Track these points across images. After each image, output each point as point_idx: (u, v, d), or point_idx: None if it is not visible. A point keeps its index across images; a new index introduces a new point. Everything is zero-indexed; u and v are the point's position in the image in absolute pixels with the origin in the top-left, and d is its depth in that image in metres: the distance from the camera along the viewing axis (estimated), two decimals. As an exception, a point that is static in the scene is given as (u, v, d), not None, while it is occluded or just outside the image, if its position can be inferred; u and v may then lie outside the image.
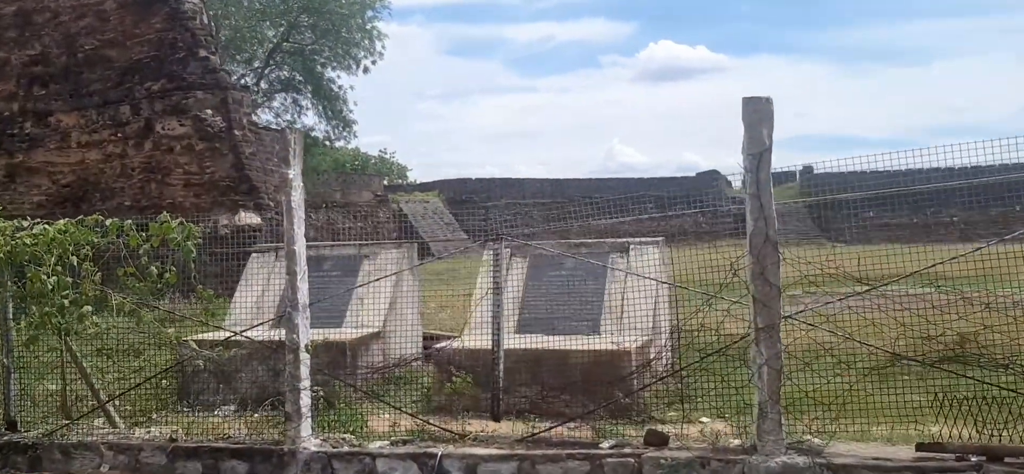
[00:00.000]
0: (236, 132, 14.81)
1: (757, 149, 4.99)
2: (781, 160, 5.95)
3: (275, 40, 38.65)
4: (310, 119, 40.15)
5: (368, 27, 38.65)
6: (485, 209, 46.12)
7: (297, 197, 5.97)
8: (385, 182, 52.50)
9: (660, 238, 8.97)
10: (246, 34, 37.39)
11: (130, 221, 6.07)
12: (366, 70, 38.80)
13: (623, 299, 8.18)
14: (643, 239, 8.94)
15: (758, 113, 4.94)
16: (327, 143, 43.38)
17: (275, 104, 40.26)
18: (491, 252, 7.06)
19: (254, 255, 9.88)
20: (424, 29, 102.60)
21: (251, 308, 8.95)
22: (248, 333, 6.93)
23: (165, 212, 6.14)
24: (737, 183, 6.81)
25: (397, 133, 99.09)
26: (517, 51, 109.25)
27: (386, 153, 61.43)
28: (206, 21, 16.67)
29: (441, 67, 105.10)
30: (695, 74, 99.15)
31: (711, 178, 51.04)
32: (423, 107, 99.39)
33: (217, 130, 15.19)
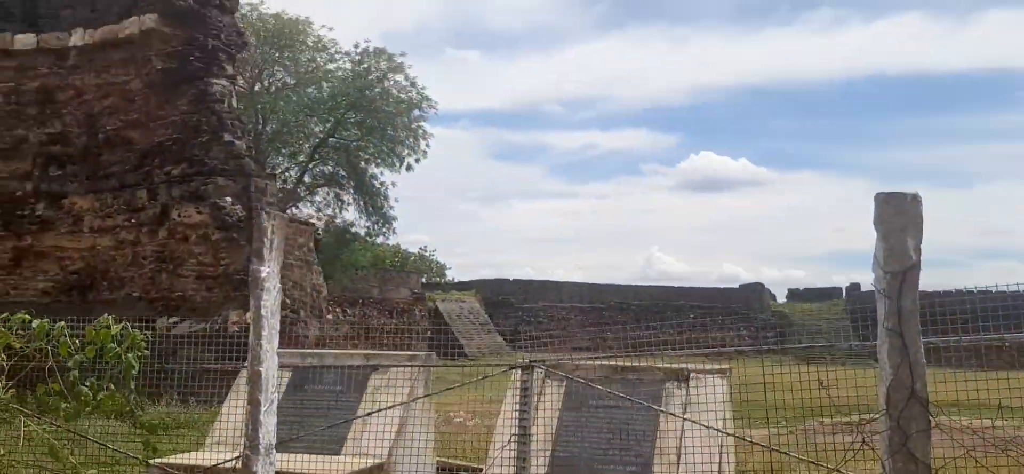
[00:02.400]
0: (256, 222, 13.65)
1: (900, 265, 3.55)
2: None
3: (321, 135, 38.20)
4: (351, 214, 39.39)
5: (414, 126, 38.02)
6: (521, 310, 44.75)
7: (270, 301, 4.63)
8: (423, 280, 51.57)
9: (727, 367, 7.47)
10: (293, 128, 36.99)
11: (62, 323, 4.74)
12: (409, 168, 38.02)
13: (681, 441, 6.68)
14: (706, 366, 7.46)
15: (902, 216, 3.53)
16: (369, 238, 42.57)
17: (317, 198, 39.60)
18: (520, 382, 5.64)
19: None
20: (469, 133, 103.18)
21: (236, 428, 7.58)
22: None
23: (175, 305, 4.85)
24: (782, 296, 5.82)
25: (437, 232, 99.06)
26: (559, 158, 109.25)
27: (426, 250, 60.55)
28: (235, 104, 15.75)
29: (484, 170, 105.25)
30: (736, 186, 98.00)
31: (756, 291, 49.28)
32: (464, 208, 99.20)
33: (236, 219, 14.09)
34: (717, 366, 7.55)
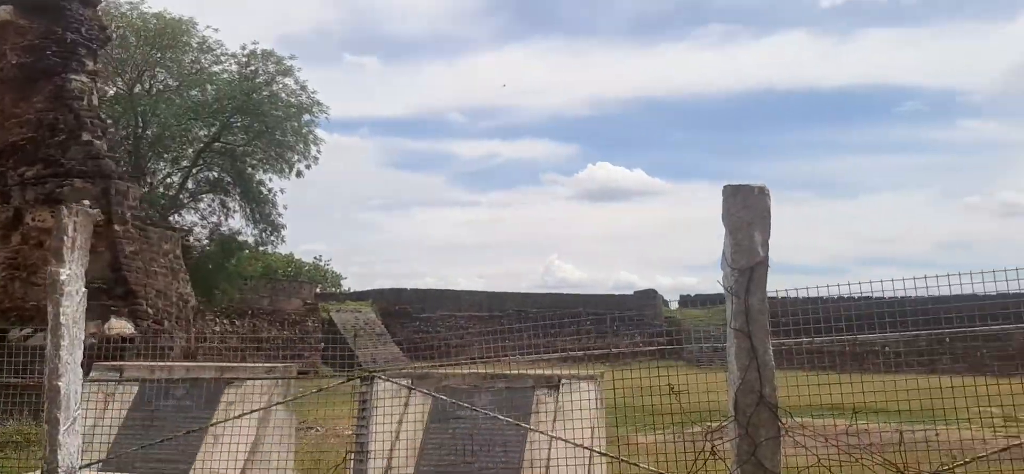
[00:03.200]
0: (116, 227, 12.81)
1: (747, 261, 3.33)
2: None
3: (206, 140, 36.80)
4: (237, 222, 38.01)
5: (304, 131, 37.00)
6: (418, 320, 44.10)
7: (71, 308, 4.10)
8: (318, 290, 50.32)
9: (597, 373, 7.23)
10: (175, 132, 35.50)
11: None
12: (299, 174, 36.97)
13: (550, 451, 6.40)
14: (576, 373, 7.20)
15: (749, 210, 3.31)
16: (261, 248, 41.25)
17: (201, 205, 38.09)
18: (359, 395, 5.23)
19: (91, 378, 7.85)
20: (368, 141, 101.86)
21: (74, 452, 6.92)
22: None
23: (30, 315, 4.24)
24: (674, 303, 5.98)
25: (336, 242, 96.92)
26: (461, 167, 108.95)
27: (321, 260, 59.26)
28: (95, 102, 14.77)
29: (385, 179, 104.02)
30: (631, 196, 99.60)
31: (649, 297, 49.95)
32: (364, 217, 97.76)
33: (95, 224, 13.12)
34: (588, 373, 7.31)
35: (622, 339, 43.30)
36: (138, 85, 35.59)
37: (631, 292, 53.00)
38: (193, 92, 35.87)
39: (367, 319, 42.75)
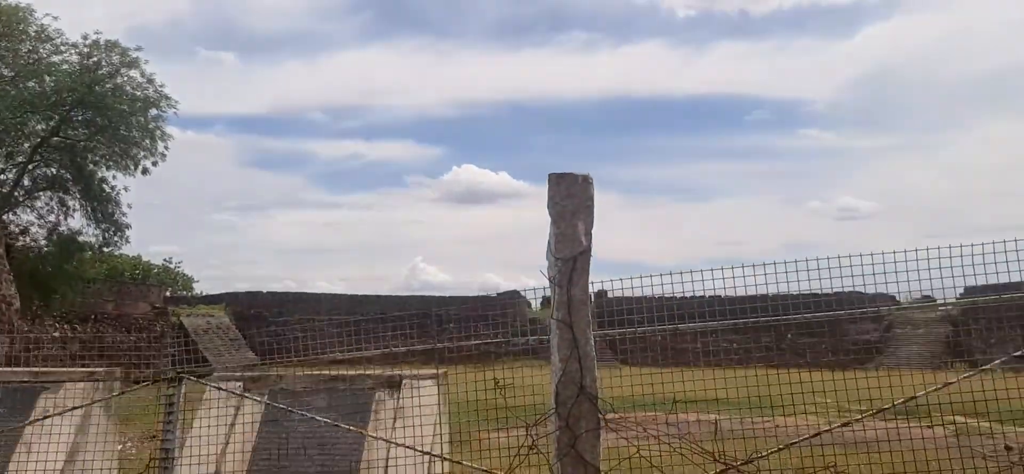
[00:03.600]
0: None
1: (571, 251, 3.28)
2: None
3: (43, 134, 34.61)
4: (77, 222, 35.92)
5: (151, 126, 35.33)
6: (274, 324, 42.91)
7: None
8: (168, 293, 48.23)
9: (441, 372, 7.13)
10: (9, 125, 33.16)
11: None
12: (145, 171, 35.30)
13: (388, 451, 6.25)
14: (418, 372, 7.09)
15: (573, 198, 3.27)
16: (106, 249, 39.12)
17: (38, 204, 35.78)
18: (165, 397, 4.94)
19: None
20: (224, 139, 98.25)
21: None
22: None
23: None
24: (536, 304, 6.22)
25: (189, 243, 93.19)
26: (322, 167, 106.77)
27: (171, 262, 56.92)
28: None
29: (241, 178, 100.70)
30: (497, 199, 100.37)
31: (512, 297, 50.48)
32: (219, 218, 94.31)
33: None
34: (430, 372, 7.21)
35: (482, 339, 43.40)
36: (-32, 75, 33.14)
37: (494, 294, 53.33)
38: (30, 83, 33.61)
39: (220, 323, 41.28)
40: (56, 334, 33.17)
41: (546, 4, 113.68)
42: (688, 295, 5.35)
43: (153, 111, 35.41)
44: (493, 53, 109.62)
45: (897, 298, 5.43)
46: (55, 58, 34.29)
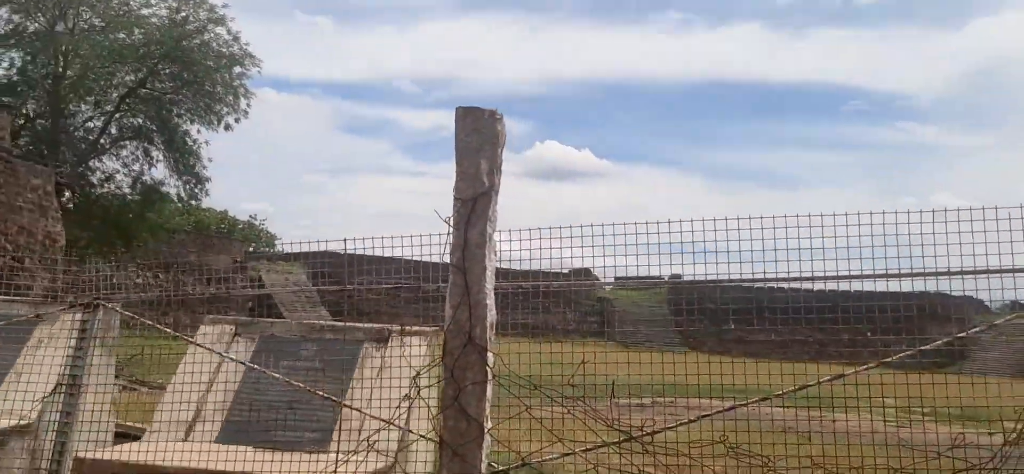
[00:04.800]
0: (-24, 156, 12.08)
1: (472, 191, 3.01)
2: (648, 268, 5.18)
3: (131, 85, 35.68)
4: (160, 172, 36.99)
5: (235, 84, 36.08)
6: (349, 286, 43.50)
7: None
8: (251, 248, 49.40)
9: (433, 328, 6.93)
10: (99, 74, 34.28)
11: None
12: (228, 127, 36.11)
13: (368, 406, 6.09)
14: (413, 327, 6.90)
15: (478, 134, 3.00)
16: (193, 201, 40.23)
17: (124, 153, 36.94)
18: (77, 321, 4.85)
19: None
20: (318, 102, 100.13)
21: None
22: None
23: None
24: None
25: (280, 202, 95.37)
26: (409, 137, 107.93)
27: (256, 219, 58.22)
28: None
29: (332, 142, 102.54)
30: (578, 176, 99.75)
31: (584, 274, 50.06)
32: (309, 179, 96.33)
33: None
34: (423, 328, 7.02)
35: (551, 315, 43.26)
36: (61, 23, 34.28)
37: (566, 271, 53.08)
38: (119, 35, 34.65)
39: (297, 281, 42.11)
40: (139, 280, 34.35)
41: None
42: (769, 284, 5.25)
43: (237, 68, 36.12)
44: (585, 30, 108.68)
45: (987, 304, 5.12)
46: (145, 11, 35.25)
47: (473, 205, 2.98)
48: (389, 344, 6.70)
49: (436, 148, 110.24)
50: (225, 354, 6.50)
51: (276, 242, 57.98)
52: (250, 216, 57.55)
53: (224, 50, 35.59)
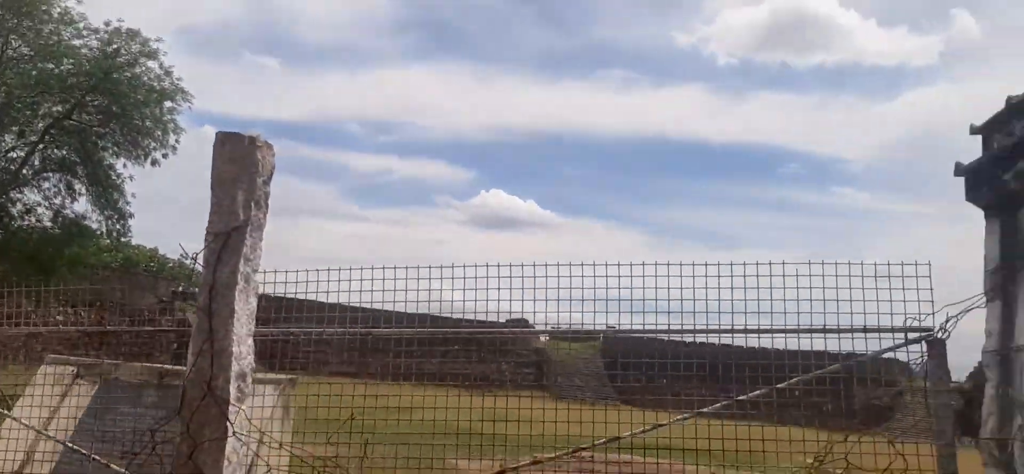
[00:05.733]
0: None
1: (223, 225, 2.73)
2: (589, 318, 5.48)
3: (57, 115, 34.75)
4: (82, 206, 35.97)
5: (164, 118, 35.36)
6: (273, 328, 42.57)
7: None
8: (180, 288, 48.14)
9: (288, 377, 6.61)
10: (24, 102, 33.37)
11: None
12: (154, 163, 35.30)
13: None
14: (264, 375, 6.58)
15: (235, 163, 2.73)
16: (117, 237, 39.13)
17: (46, 185, 35.84)
18: None
19: None
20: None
21: None
22: None
23: None
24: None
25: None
26: (354, 179, 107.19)
27: (186, 258, 56.79)
28: None
29: (274, 184, 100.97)
30: (522, 226, 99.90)
31: (520, 325, 49.72)
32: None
33: None
34: (276, 377, 6.70)
35: (487, 365, 42.78)
36: (-11, 51, 33.34)
37: (504, 319, 52.62)
38: (48, 64, 33.77)
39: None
40: (60, 317, 33.18)
41: (589, 40, 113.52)
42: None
43: (168, 103, 35.43)
44: (532, 82, 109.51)
45: (911, 366, 5.19)
46: (76, 41, 34.43)
47: (226, 241, 2.70)
48: (239, 391, 6.36)
49: (380, 192, 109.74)
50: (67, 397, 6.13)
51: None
52: (181, 255, 56.22)
53: (155, 84, 34.88)
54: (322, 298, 5.84)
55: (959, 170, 4.86)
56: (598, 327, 5.62)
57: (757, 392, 4.31)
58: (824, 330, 4.80)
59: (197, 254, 2.65)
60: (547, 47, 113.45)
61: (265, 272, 5.30)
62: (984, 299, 4.58)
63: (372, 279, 5.19)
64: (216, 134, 2.80)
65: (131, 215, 36.55)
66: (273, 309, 7.05)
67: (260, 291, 6.18)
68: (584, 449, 4.57)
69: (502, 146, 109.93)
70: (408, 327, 6.51)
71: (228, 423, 2.58)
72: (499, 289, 4.94)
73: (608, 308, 5.06)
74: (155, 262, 52.91)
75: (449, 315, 6.21)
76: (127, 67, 34.35)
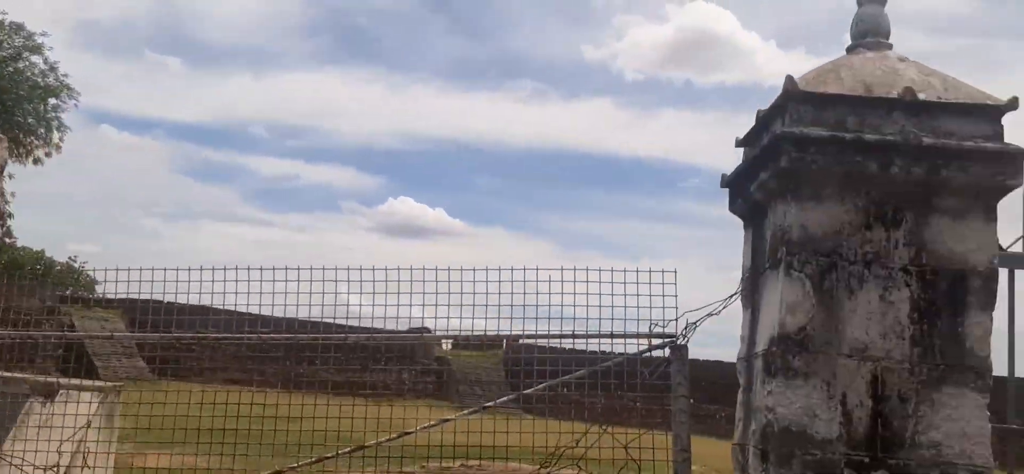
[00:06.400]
0: None
1: None
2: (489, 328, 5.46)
3: (-66, 111, 33.13)
4: (-43, 206, 34.29)
5: (48, 116, 34.07)
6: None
7: None
8: (68, 292, 46.31)
9: (115, 384, 6.39)
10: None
11: None
12: (37, 161, 33.98)
13: (23, 463, 5.49)
14: (85, 382, 6.33)
15: None
16: (6, 239, 37.42)
17: (-81, 183, 34.07)
18: None
19: None
20: (162, 144, 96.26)
21: None
22: None
23: None
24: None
25: (110, 245, 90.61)
26: (258, 183, 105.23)
27: (76, 261, 54.73)
28: None
29: (174, 186, 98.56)
30: (430, 234, 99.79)
31: (420, 331, 49.46)
32: (145, 223, 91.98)
33: None
34: (97, 383, 6.45)
35: (387, 374, 42.39)
36: None
37: (405, 328, 52.26)
38: (-76, 57, 32.24)
39: (114, 329, 39.71)
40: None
41: (500, 51, 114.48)
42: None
43: (53, 100, 34.16)
44: (443, 92, 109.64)
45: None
46: (-44, 34, 32.95)
47: None
48: (57, 399, 6.11)
49: (285, 197, 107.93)
50: None
51: (95, 286, 54.68)
52: (69, 258, 54.14)
53: (39, 80, 33.61)
54: (217, 302, 5.60)
55: (723, 182, 5.01)
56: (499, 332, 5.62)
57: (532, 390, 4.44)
58: (573, 335, 4.93)
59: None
60: (459, 56, 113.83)
61: (153, 271, 5.19)
62: (720, 307, 4.75)
63: (274, 281, 5.02)
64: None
65: (11, 215, 35.01)
66: (162, 312, 6.76)
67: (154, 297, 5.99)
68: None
69: (411, 154, 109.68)
70: (301, 333, 6.37)
71: None
72: (399, 294, 4.89)
73: (512, 318, 5.07)
74: (42, 263, 50.85)
75: (346, 321, 6.11)
76: (9, 61, 33.00)
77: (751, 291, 4.67)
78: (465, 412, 5.43)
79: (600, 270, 4.90)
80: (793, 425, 4.00)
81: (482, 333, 5.35)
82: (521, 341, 6.49)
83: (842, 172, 4.06)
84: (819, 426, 3.99)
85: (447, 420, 4.93)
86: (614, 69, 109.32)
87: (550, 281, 4.83)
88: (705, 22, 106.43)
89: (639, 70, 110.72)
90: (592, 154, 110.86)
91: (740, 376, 4.68)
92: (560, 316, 5.50)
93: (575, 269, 4.91)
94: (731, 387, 4.76)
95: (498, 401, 6.19)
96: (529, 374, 5.48)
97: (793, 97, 4.13)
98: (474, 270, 4.98)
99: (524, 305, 5.14)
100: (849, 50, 4.59)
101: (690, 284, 5.37)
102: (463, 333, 5.34)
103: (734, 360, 4.83)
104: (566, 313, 5.40)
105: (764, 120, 4.48)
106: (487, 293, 5.37)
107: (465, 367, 48.23)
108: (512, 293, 5.05)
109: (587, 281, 4.85)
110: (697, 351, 5.12)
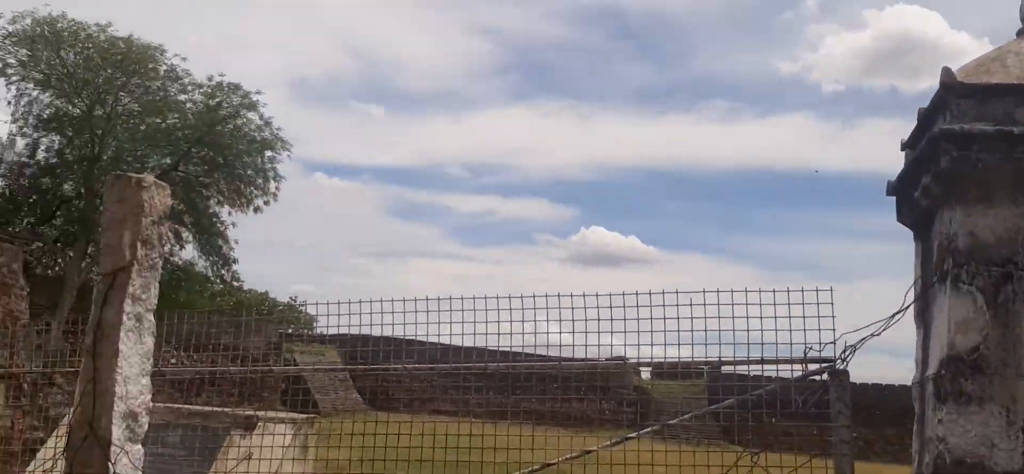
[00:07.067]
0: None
1: (111, 264, 2.94)
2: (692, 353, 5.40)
3: (164, 168, 36.49)
4: (189, 253, 37.61)
5: (265, 167, 36.71)
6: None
7: None
8: (289, 330, 49.52)
9: (302, 418, 6.64)
10: (133, 155, 35.24)
11: None
12: (257, 210, 36.61)
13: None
14: (279, 414, 6.61)
15: (123, 204, 2.97)
16: (214, 282, 40.80)
17: (156, 234, 37.64)
18: None
19: None
20: (370, 187, 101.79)
21: None
22: None
23: None
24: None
25: (326, 285, 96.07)
26: (458, 220, 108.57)
27: (296, 300, 58.50)
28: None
29: (381, 226, 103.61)
30: (624, 263, 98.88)
31: (617, 364, 48.98)
32: (356, 262, 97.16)
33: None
34: (291, 415, 6.72)
35: (586, 405, 42.34)
36: (99, 108, 35.29)
37: (603, 360, 52.00)
38: (155, 119, 35.60)
39: (330, 363, 42.03)
40: (173, 361, 34.58)
41: (690, 73, 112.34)
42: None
43: (269, 153, 36.74)
44: (633, 118, 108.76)
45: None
46: (181, 96, 36.16)
47: (112, 280, 2.71)
48: (256, 432, 6.42)
49: (482, 232, 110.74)
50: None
51: (313, 324, 58.10)
52: (290, 298, 57.90)
53: (255, 135, 36.26)
54: (421, 334, 5.79)
55: (889, 189, 4.51)
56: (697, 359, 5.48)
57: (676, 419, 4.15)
58: (720, 362, 4.60)
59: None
60: (647, 82, 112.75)
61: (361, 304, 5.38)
62: (883, 327, 4.25)
63: (474, 310, 5.15)
64: (107, 177, 2.83)
65: (235, 260, 37.92)
66: (371, 344, 7.05)
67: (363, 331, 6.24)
68: None
69: (603, 183, 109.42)
70: (500, 363, 6.46)
71: (110, 464, 2.55)
72: (597, 319, 4.89)
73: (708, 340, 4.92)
74: (265, 305, 54.70)
75: (545, 352, 6.16)
76: (229, 119, 35.81)
77: (923, 308, 4.22)
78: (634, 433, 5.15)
79: (746, 290, 4.55)
80: (968, 456, 3.61)
81: (675, 360, 5.13)
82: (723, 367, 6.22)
83: (1013, 170, 3.65)
84: (998, 457, 3.59)
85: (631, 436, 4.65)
86: (810, 82, 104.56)
87: (721, 303, 4.54)
88: (908, 25, 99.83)
89: (838, 80, 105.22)
90: (792, 171, 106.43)
91: (915, 402, 4.21)
92: (747, 342, 5.21)
93: (730, 290, 4.58)
94: (890, 412, 4.29)
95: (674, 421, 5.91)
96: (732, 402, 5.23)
97: (952, 91, 3.72)
98: (637, 294, 4.78)
99: (719, 330, 4.88)
100: (1019, 34, 4.08)
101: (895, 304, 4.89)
102: (649, 360, 5.13)
103: (890, 382, 4.35)
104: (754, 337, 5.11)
105: (925, 119, 4.04)
106: (672, 318, 5.13)
107: (664, 396, 47.29)
108: (706, 318, 4.82)
109: (747, 302, 4.53)
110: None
